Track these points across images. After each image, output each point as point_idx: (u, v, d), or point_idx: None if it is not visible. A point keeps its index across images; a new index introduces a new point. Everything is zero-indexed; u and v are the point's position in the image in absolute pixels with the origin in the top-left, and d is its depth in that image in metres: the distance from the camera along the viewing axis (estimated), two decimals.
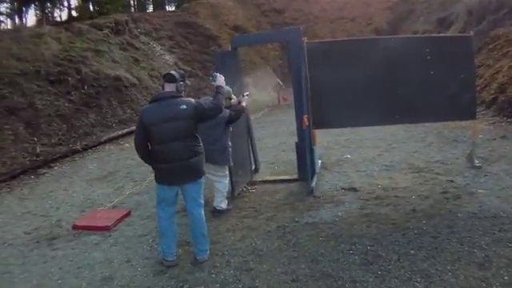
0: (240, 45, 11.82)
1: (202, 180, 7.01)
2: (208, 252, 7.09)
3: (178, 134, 6.52)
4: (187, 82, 7.42)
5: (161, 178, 6.83)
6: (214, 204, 8.97)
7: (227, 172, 9.09)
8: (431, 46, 10.27)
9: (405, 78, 10.13)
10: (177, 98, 6.67)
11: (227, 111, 8.57)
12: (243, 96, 9.46)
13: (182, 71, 7.29)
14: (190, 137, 6.65)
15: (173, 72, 6.95)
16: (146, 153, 6.81)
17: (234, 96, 9.09)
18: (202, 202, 7.08)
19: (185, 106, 6.56)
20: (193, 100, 6.83)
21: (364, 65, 10.09)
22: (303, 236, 7.49)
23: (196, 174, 6.80)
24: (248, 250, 7.22)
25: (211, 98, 7.24)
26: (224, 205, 9.01)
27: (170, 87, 6.76)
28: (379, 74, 10.08)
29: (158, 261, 7.11)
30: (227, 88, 8.30)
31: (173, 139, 6.51)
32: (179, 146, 6.54)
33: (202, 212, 7.07)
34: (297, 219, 8.27)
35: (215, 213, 8.89)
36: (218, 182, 8.88)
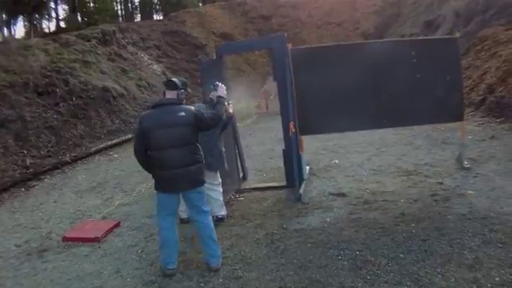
0: (225, 53, 11.78)
1: (203, 189, 6.97)
2: (220, 258, 7.02)
3: (176, 140, 6.48)
4: (189, 89, 7.45)
5: (158, 185, 6.79)
6: (213, 213, 8.90)
7: (220, 180, 9.06)
8: (417, 49, 10.30)
9: (391, 82, 10.14)
10: (176, 104, 6.67)
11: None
12: (228, 104, 9.46)
13: (183, 79, 7.28)
14: (188, 144, 6.60)
15: (174, 79, 6.95)
16: (145, 159, 6.79)
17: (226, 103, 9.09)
18: (206, 209, 7.01)
19: (183, 113, 6.54)
20: (192, 108, 6.80)
21: (350, 70, 10.11)
22: (291, 243, 7.47)
23: (194, 182, 6.74)
24: (236, 258, 7.18)
25: (203, 106, 7.25)
26: (223, 212, 9.00)
27: (170, 94, 6.77)
28: (365, 79, 10.10)
29: (159, 270, 7.05)
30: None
31: (170, 146, 6.48)
32: (176, 153, 6.50)
33: (208, 218, 7.02)
34: (285, 226, 8.24)
35: (216, 221, 8.86)
36: (213, 191, 8.80)
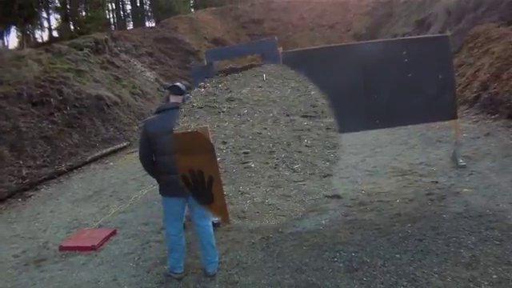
0: (214, 59, 11.72)
1: None
2: (218, 264, 7.03)
3: None
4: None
5: (164, 190, 6.79)
6: None
7: None
8: (408, 49, 10.26)
9: (384, 82, 10.10)
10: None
11: None
12: None
13: (187, 83, 7.31)
14: None
15: (179, 84, 6.99)
16: (150, 164, 6.80)
17: None
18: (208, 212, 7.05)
19: None
20: None
21: (341, 71, 10.05)
22: (287, 246, 7.48)
23: None
24: (233, 263, 7.19)
25: None
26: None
27: (175, 99, 6.79)
28: (357, 80, 10.04)
29: (165, 274, 7.11)
30: None
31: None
32: None
33: (209, 223, 7.06)
34: (280, 230, 8.23)
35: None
36: None
